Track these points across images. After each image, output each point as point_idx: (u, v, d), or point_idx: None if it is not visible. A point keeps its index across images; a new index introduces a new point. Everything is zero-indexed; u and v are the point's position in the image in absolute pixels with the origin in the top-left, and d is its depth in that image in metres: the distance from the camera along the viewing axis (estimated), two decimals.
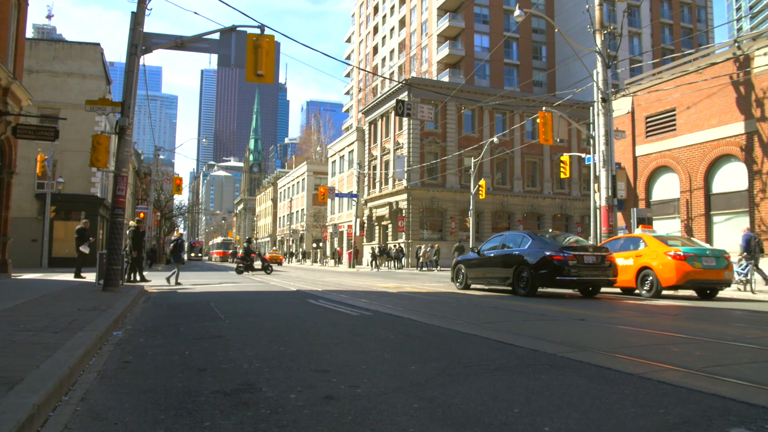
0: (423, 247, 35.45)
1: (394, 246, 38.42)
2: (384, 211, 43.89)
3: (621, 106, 20.81)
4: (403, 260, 37.39)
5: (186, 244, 17.67)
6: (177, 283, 15.30)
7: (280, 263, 56.68)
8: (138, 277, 15.25)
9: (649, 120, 20.16)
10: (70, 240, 29.05)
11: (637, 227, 16.44)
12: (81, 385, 3.56)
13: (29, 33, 56.67)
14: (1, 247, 16.24)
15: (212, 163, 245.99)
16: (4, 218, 16.31)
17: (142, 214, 42.21)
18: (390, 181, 42.83)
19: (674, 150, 19.08)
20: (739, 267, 13.55)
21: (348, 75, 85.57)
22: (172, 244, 16.89)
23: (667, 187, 19.64)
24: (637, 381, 3.66)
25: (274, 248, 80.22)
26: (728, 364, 4.35)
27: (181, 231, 21.65)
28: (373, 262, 37.17)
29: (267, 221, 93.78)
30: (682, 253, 11.61)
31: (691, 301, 11.36)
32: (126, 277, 14.17)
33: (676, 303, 10.75)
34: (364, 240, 46.22)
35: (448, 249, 39.11)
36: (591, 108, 19.48)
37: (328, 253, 51.16)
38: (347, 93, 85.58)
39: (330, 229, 56.34)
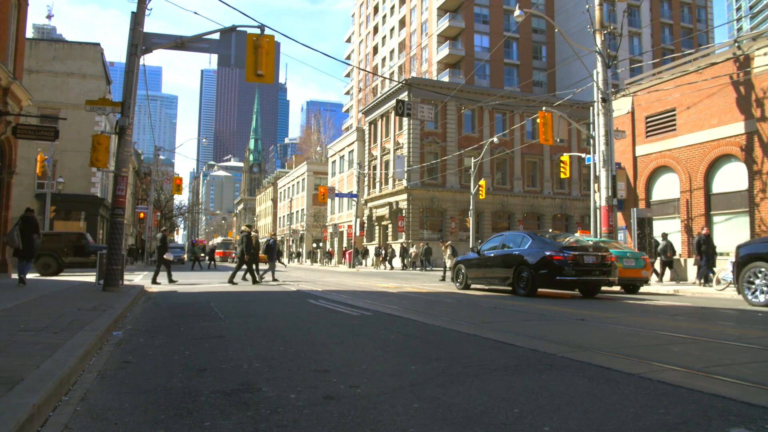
0: (414, 247, 35.87)
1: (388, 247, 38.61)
2: (384, 211, 43.91)
3: (621, 106, 20.82)
4: (397, 261, 37.46)
5: (277, 245, 19.14)
6: (275, 279, 17.37)
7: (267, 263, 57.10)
8: (249, 278, 16.14)
9: (649, 120, 20.16)
10: None
11: (578, 231, 17.65)
12: (81, 385, 3.56)
13: (29, 33, 56.71)
14: (1, 247, 16.25)
15: (212, 163, 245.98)
16: (4, 218, 16.31)
17: (142, 214, 42.26)
18: (390, 181, 42.85)
19: (674, 150, 19.08)
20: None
21: (348, 75, 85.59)
22: (265, 245, 18.49)
23: (667, 187, 19.65)
24: (637, 381, 3.66)
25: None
26: (728, 364, 4.34)
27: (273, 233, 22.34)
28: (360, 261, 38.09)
29: (267, 221, 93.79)
30: None
31: (680, 301, 11.37)
32: (243, 277, 16.25)
33: (676, 303, 10.75)
34: (365, 240, 46.25)
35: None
36: (591, 108, 19.49)
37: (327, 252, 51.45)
38: (347, 93, 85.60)
39: (330, 229, 56.35)
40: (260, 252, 18.12)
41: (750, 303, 10.03)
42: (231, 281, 15.39)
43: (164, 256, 16.06)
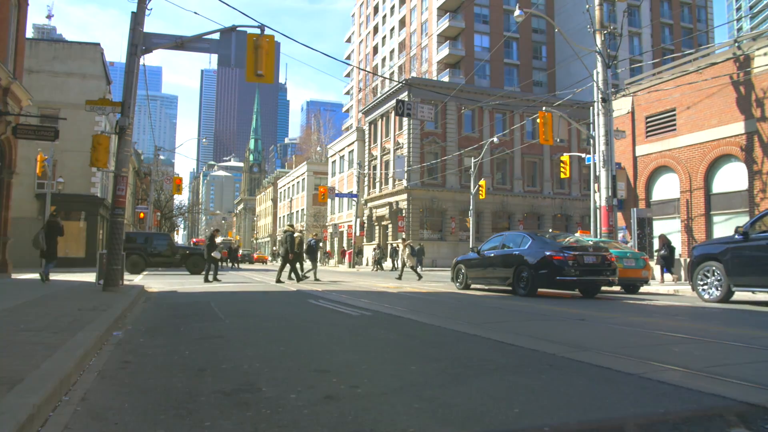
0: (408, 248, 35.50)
1: (376, 247, 38.40)
2: (384, 211, 43.90)
3: (621, 106, 20.82)
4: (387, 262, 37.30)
5: (318, 245, 19.59)
6: (316, 279, 17.74)
7: (264, 263, 57.50)
8: (294, 277, 16.90)
9: (649, 120, 20.16)
10: (71, 240, 29.11)
11: (578, 231, 17.74)
12: (81, 385, 3.55)
13: (29, 33, 56.64)
14: (2, 247, 16.25)
15: (212, 163, 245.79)
16: (4, 218, 16.31)
17: (142, 214, 42.21)
18: (390, 181, 42.84)
19: (674, 150, 19.08)
20: None
21: (348, 75, 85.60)
22: (307, 245, 18.75)
23: (667, 187, 19.65)
24: (637, 381, 3.66)
25: (275, 248, 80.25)
26: (728, 364, 4.35)
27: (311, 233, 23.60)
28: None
29: (267, 221, 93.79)
30: None
31: (680, 301, 11.37)
32: (288, 276, 16.84)
33: (676, 303, 10.76)
34: (364, 240, 46.26)
35: (448, 249, 39.20)
36: (591, 108, 19.49)
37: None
38: (347, 93, 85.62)
39: (330, 229, 56.34)
40: (303, 251, 18.23)
41: (703, 299, 10.75)
42: (278, 281, 16.15)
43: (212, 254, 16.81)
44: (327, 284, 15.74)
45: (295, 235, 17.02)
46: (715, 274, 10.47)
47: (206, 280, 16.09)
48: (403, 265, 20.77)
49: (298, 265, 17.07)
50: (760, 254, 9.71)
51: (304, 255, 18.18)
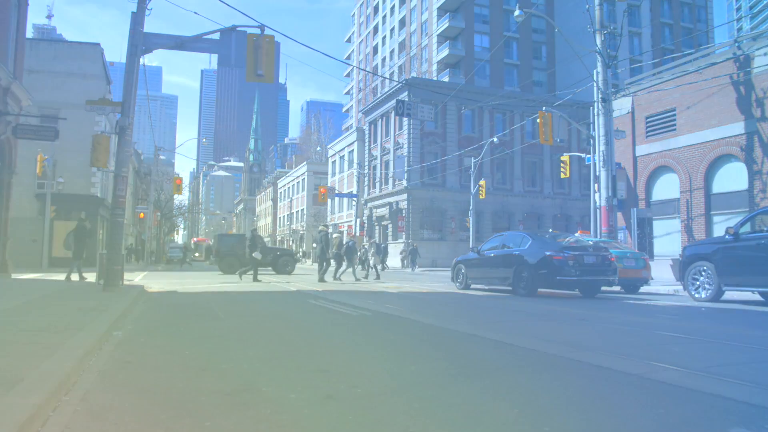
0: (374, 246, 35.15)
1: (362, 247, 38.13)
2: (384, 211, 43.89)
3: (621, 106, 20.81)
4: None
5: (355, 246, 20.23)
6: (357, 279, 17.80)
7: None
8: (330, 278, 17.30)
9: (649, 120, 20.16)
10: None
11: (578, 231, 17.94)
12: (81, 385, 3.55)
13: (29, 33, 56.55)
14: (2, 247, 16.24)
15: (212, 163, 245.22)
16: (4, 218, 16.30)
17: (142, 214, 42.23)
18: (390, 181, 42.84)
19: (674, 150, 19.08)
20: None
21: (348, 75, 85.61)
22: (345, 246, 18.78)
23: (667, 187, 19.65)
24: (637, 381, 3.66)
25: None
26: (728, 364, 4.35)
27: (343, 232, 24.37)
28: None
29: (267, 221, 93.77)
30: None
31: (680, 301, 11.38)
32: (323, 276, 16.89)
33: (676, 303, 10.76)
34: (365, 240, 46.24)
35: (448, 249, 39.18)
36: (591, 108, 19.50)
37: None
38: (347, 93, 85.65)
39: (330, 229, 56.36)
40: (340, 253, 18.38)
41: (694, 299, 10.85)
42: (321, 280, 16.49)
43: (253, 255, 16.81)
44: (327, 284, 15.74)
45: (335, 235, 17.28)
46: (706, 274, 10.60)
47: (241, 278, 16.55)
48: (373, 264, 20.76)
49: (325, 266, 17.32)
50: (750, 254, 9.85)
51: (344, 256, 18.43)
